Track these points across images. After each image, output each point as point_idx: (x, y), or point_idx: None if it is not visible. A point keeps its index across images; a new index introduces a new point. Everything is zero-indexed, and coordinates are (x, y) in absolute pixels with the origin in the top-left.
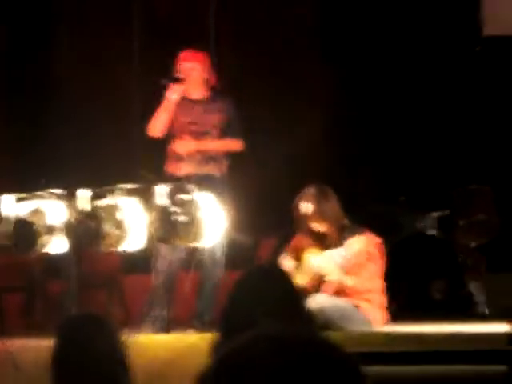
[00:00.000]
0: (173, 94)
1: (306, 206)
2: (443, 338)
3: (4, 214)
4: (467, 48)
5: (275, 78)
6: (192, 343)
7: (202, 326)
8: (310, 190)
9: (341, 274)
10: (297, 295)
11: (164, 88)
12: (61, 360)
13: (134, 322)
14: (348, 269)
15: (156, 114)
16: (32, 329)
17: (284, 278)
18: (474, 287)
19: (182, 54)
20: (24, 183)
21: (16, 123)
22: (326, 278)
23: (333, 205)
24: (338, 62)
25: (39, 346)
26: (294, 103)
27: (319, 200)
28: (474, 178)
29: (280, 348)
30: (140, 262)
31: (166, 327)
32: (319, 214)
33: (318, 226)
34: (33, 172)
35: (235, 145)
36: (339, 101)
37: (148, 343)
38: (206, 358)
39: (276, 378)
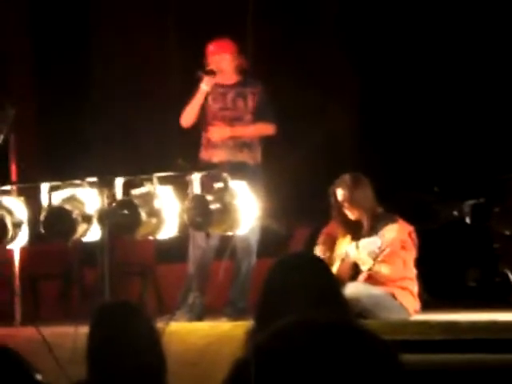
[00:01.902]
0: (205, 85)
1: (341, 194)
2: (479, 326)
3: (43, 202)
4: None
5: (306, 64)
6: (226, 331)
7: (235, 314)
8: (345, 178)
9: (375, 263)
10: (334, 282)
11: (198, 80)
12: (96, 347)
13: (168, 310)
14: (382, 257)
15: (188, 104)
16: (68, 316)
17: (320, 264)
18: (508, 275)
19: (210, 47)
20: (62, 172)
21: (54, 115)
22: (361, 267)
23: (367, 193)
24: (369, 48)
25: (75, 333)
26: (328, 90)
27: (353, 187)
28: (510, 167)
29: (319, 334)
30: (174, 251)
31: (200, 315)
32: (353, 202)
33: (352, 214)
34: (70, 161)
35: (268, 129)
36: (374, 89)
37: (182, 331)
38: (240, 345)
39: (315, 365)
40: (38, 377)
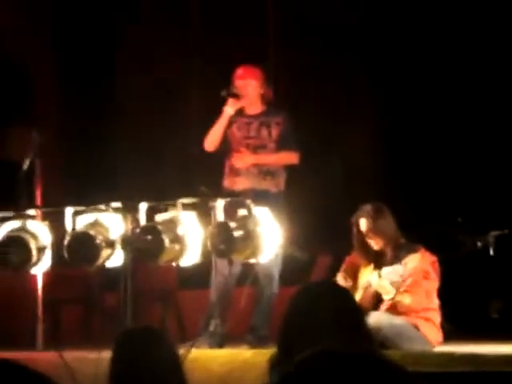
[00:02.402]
0: (229, 108)
1: (363, 223)
2: (501, 359)
3: (66, 227)
4: None
5: (329, 93)
6: (247, 358)
7: (256, 342)
8: (367, 207)
9: (398, 292)
10: (357, 310)
11: (222, 102)
12: (118, 373)
13: (190, 336)
14: (405, 287)
15: (212, 128)
16: (90, 341)
17: (343, 292)
18: None
19: (238, 71)
20: (86, 197)
21: (79, 140)
22: (384, 297)
23: (389, 222)
24: (393, 76)
25: (97, 358)
26: (350, 117)
27: (376, 217)
28: None
29: (344, 366)
30: (196, 277)
31: (222, 342)
32: (375, 231)
33: (375, 243)
34: (95, 186)
35: (292, 158)
36: (398, 118)
37: (203, 358)
38: (262, 373)
39: None
40: None
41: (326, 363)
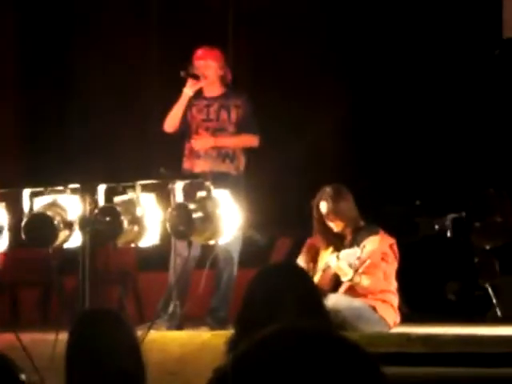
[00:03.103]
0: (188, 89)
1: (324, 205)
2: (458, 340)
3: (24, 208)
4: (487, 51)
5: (290, 75)
6: (206, 340)
7: (215, 324)
8: (327, 189)
9: (356, 274)
10: (315, 292)
11: (181, 83)
12: (75, 355)
13: (149, 318)
14: (363, 269)
15: (171, 109)
16: (47, 323)
17: (302, 274)
18: (488, 289)
19: (197, 52)
20: (44, 178)
21: (37, 121)
22: (342, 278)
23: (349, 204)
24: (356, 55)
25: (55, 340)
26: (310, 100)
27: (336, 199)
28: (492, 182)
29: (301, 344)
30: (155, 259)
31: (180, 324)
32: (336, 213)
33: (335, 226)
34: (53, 167)
35: (251, 141)
36: (358, 101)
37: (162, 340)
38: (220, 355)
39: (297, 375)
40: (23, 376)
41: (281, 342)
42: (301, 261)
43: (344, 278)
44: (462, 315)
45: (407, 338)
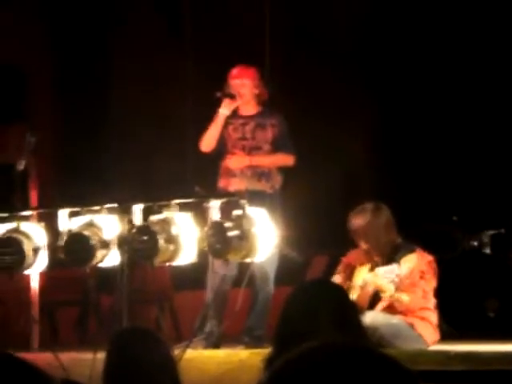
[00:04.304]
0: (224, 109)
1: (356, 223)
2: (497, 358)
3: (61, 228)
4: None
5: (325, 95)
6: (243, 359)
7: (252, 342)
8: (363, 207)
9: (395, 292)
10: (353, 309)
11: (217, 103)
12: (112, 373)
13: (185, 337)
14: (402, 287)
15: (207, 129)
16: (85, 343)
17: (339, 291)
18: None
19: (233, 71)
20: (80, 199)
21: (74, 141)
22: (382, 295)
23: (383, 222)
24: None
25: (93, 360)
26: (346, 119)
27: (370, 217)
28: None
29: (340, 359)
30: (191, 278)
31: (217, 343)
32: (367, 231)
33: (365, 243)
34: (90, 187)
35: (287, 160)
36: (394, 121)
37: (199, 359)
38: (257, 373)
39: None
40: None
41: (319, 358)
42: (337, 279)
43: (385, 295)
44: (501, 332)
45: (446, 355)
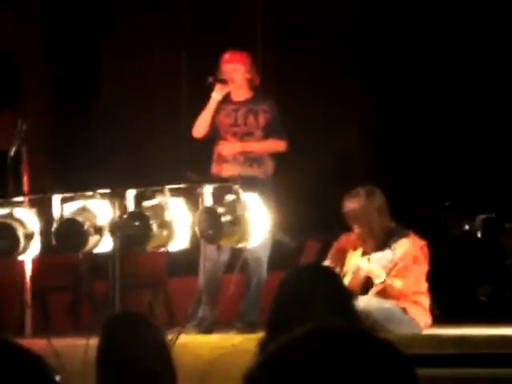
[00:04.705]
0: (216, 94)
1: (350, 206)
2: (489, 341)
3: (54, 213)
4: None
5: (317, 80)
6: (236, 344)
7: (245, 327)
8: (357, 191)
9: (388, 277)
10: (345, 292)
11: (209, 88)
12: (105, 358)
13: (179, 322)
14: (395, 272)
15: (200, 115)
16: (79, 328)
17: (331, 275)
18: None
19: (225, 56)
20: (74, 184)
21: (67, 128)
22: (374, 281)
23: (376, 206)
24: (383, 61)
25: (86, 345)
26: (338, 105)
27: (364, 201)
28: None
29: (333, 343)
30: (185, 263)
31: (210, 328)
32: (360, 215)
33: (359, 227)
34: (82, 173)
35: (279, 145)
36: (386, 105)
37: (192, 344)
38: (251, 358)
39: (329, 374)
40: (57, 378)
41: (313, 341)
42: (328, 263)
43: (377, 281)
44: (493, 316)
45: (439, 339)
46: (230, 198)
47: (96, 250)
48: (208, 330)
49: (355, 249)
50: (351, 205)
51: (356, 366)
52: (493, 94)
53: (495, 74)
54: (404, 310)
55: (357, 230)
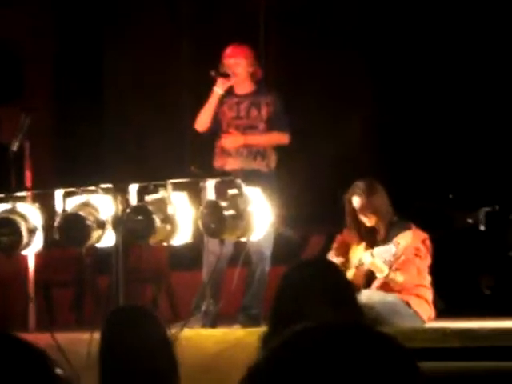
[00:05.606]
0: (218, 88)
1: (356, 200)
2: (493, 334)
3: (56, 208)
4: None
5: (320, 72)
6: (239, 337)
7: (248, 321)
8: (360, 184)
9: (391, 270)
10: (348, 286)
11: (211, 82)
12: (108, 352)
13: (182, 316)
14: (397, 265)
15: (203, 108)
16: (82, 323)
17: (335, 270)
18: None
19: (227, 50)
20: (77, 179)
21: (70, 121)
22: (377, 275)
23: (382, 198)
24: (385, 55)
25: (90, 339)
26: (341, 98)
27: (368, 193)
28: None
29: (335, 338)
30: (188, 257)
31: (214, 322)
32: (368, 208)
33: (368, 220)
34: (85, 168)
35: (282, 138)
36: (390, 99)
37: (196, 337)
38: (253, 352)
39: (332, 369)
40: (58, 371)
41: (316, 337)
42: (332, 256)
43: (379, 275)
44: (497, 309)
45: (442, 332)
46: (232, 192)
47: (99, 245)
48: (211, 323)
49: (359, 242)
50: (359, 199)
51: (358, 360)
52: (495, 87)
53: (498, 66)
54: (407, 303)
55: (368, 223)
